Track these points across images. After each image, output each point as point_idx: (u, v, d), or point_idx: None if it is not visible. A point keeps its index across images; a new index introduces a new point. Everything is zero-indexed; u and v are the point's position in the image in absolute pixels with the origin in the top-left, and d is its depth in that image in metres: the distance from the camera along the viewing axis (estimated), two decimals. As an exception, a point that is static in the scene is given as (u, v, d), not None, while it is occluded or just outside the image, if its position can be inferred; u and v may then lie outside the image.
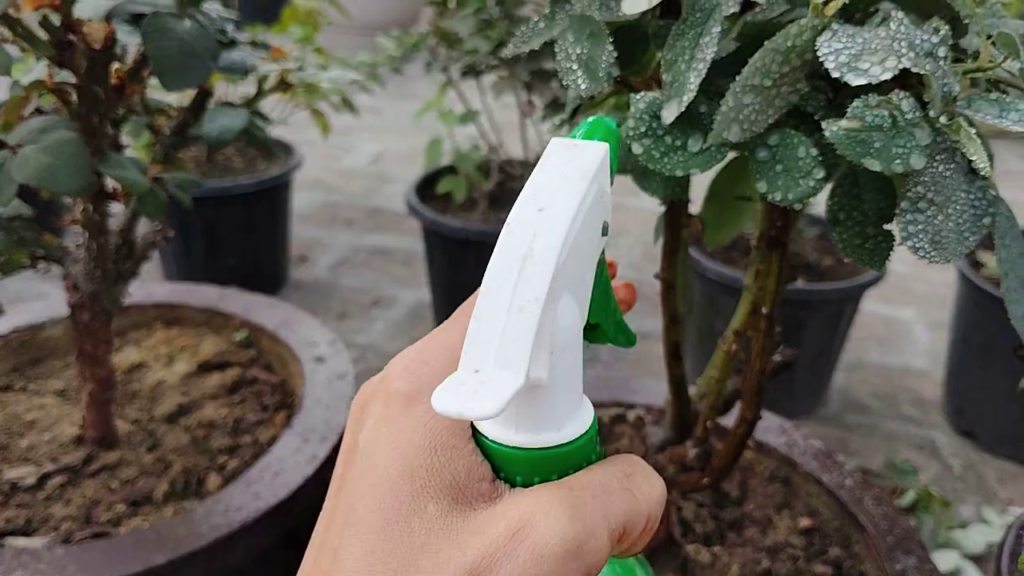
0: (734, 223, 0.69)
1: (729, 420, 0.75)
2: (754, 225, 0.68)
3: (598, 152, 0.34)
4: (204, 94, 0.79)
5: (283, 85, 0.85)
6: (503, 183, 1.95)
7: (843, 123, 0.39)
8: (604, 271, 0.37)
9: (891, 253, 0.48)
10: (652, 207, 2.55)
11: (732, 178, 0.67)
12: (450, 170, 1.99)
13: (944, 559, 1.29)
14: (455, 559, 0.27)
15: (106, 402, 1.00)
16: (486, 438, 0.31)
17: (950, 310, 1.71)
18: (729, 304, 1.52)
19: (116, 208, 0.90)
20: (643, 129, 0.46)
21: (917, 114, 0.40)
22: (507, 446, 0.31)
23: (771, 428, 0.99)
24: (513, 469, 0.31)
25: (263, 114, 0.81)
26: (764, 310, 0.62)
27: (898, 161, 0.39)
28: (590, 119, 0.38)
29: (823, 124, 0.39)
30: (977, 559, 1.33)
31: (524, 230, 0.31)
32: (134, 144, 1.19)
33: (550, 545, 0.27)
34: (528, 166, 1.92)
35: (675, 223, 0.66)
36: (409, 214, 1.92)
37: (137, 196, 0.73)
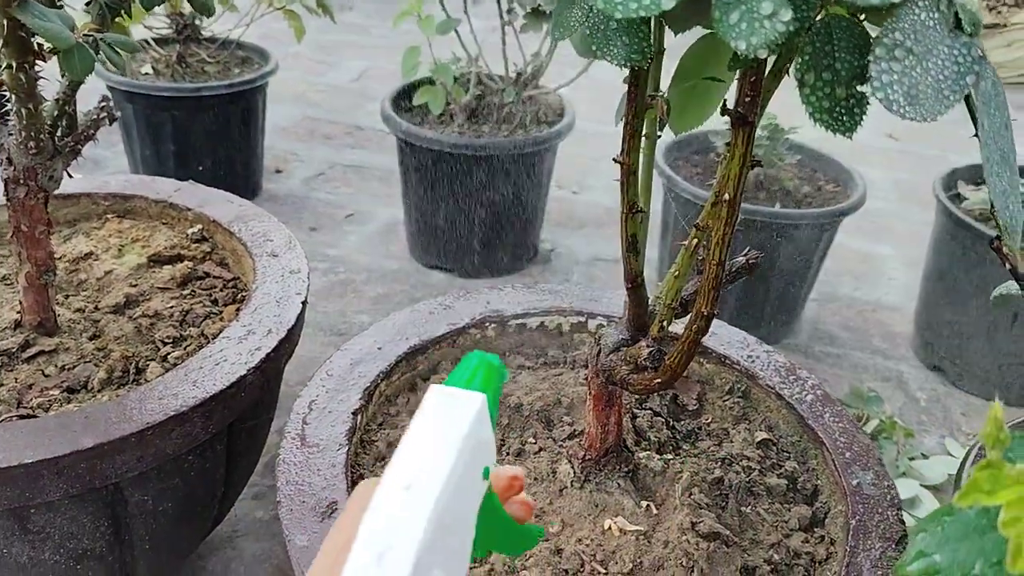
0: (702, 107, 0.64)
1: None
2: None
3: (473, 405, 0.35)
4: (144, -49, 0.73)
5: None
6: (482, 96, 1.88)
7: (813, -60, 0.34)
8: (492, 504, 0.37)
9: (863, 118, 0.44)
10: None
11: (701, 57, 0.62)
12: (429, 82, 1.92)
13: (903, 487, 1.28)
14: None
15: (44, 286, 0.95)
16: None
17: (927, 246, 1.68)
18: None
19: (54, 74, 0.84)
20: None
21: (897, -61, 0.35)
22: None
23: (733, 342, 0.96)
24: None
25: (206, -26, 0.75)
26: (726, 196, 0.58)
27: (873, -11, 0.35)
28: (474, 355, 0.38)
29: (791, -57, 0.35)
30: (937, 490, 1.33)
31: (387, 515, 0.31)
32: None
33: None
34: (507, 81, 1.86)
35: (637, 103, 0.62)
36: (384, 124, 1.86)
37: (62, 52, 0.68)
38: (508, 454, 0.84)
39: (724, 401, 0.93)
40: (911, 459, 1.37)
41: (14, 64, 0.74)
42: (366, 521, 0.31)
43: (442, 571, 0.32)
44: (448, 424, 0.34)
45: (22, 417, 0.83)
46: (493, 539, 0.39)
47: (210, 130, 2.07)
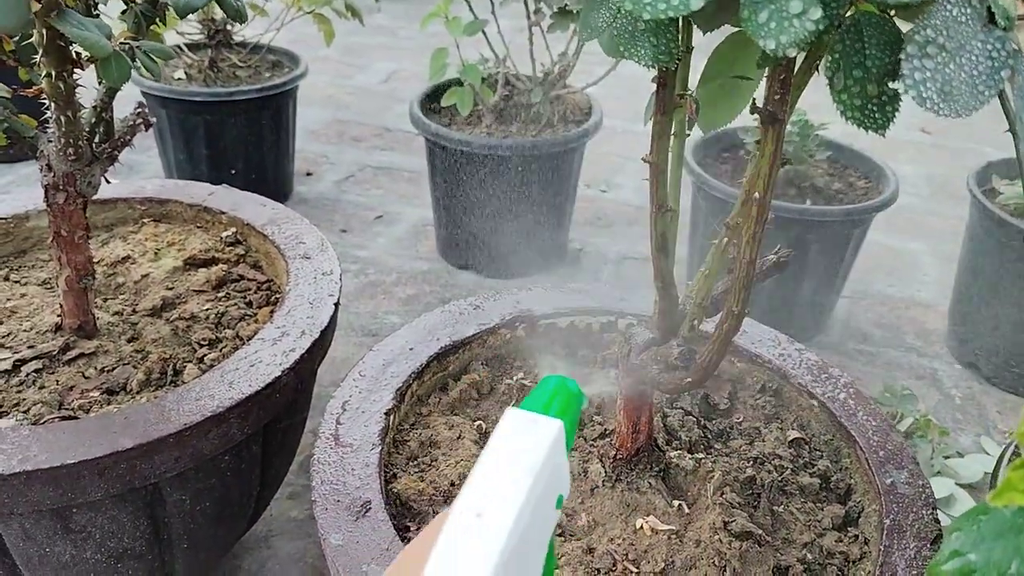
0: (731, 105, 0.64)
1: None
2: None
3: (550, 432, 0.34)
4: (178, -40, 0.75)
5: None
6: (509, 97, 1.89)
7: (842, -61, 0.34)
8: (552, 543, 0.36)
9: (895, 115, 0.44)
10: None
11: (729, 55, 0.62)
12: (457, 83, 1.93)
13: (938, 486, 1.27)
14: None
15: (84, 290, 0.97)
16: None
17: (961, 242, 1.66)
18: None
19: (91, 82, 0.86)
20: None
21: (928, -64, 0.35)
22: None
23: (764, 340, 0.96)
24: None
25: (238, -19, 0.77)
26: (756, 195, 0.58)
27: (903, -13, 0.35)
28: (551, 379, 0.38)
29: (820, -57, 0.35)
30: (973, 488, 1.31)
31: (458, 544, 0.30)
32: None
33: None
34: (535, 81, 1.86)
35: (665, 102, 0.62)
36: (413, 126, 1.87)
37: (100, 60, 0.69)
38: (539, 453, 0.84)
39: (756, 400, 0.93)
40: (946, 457, 1.36)
41: (53, 73, 0.76)
42: (436, 549, 0.30)
43: None
44: (524, 450, 0.34)
45: (64, 418, 0.85)
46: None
47: (242, 134, 2.09)
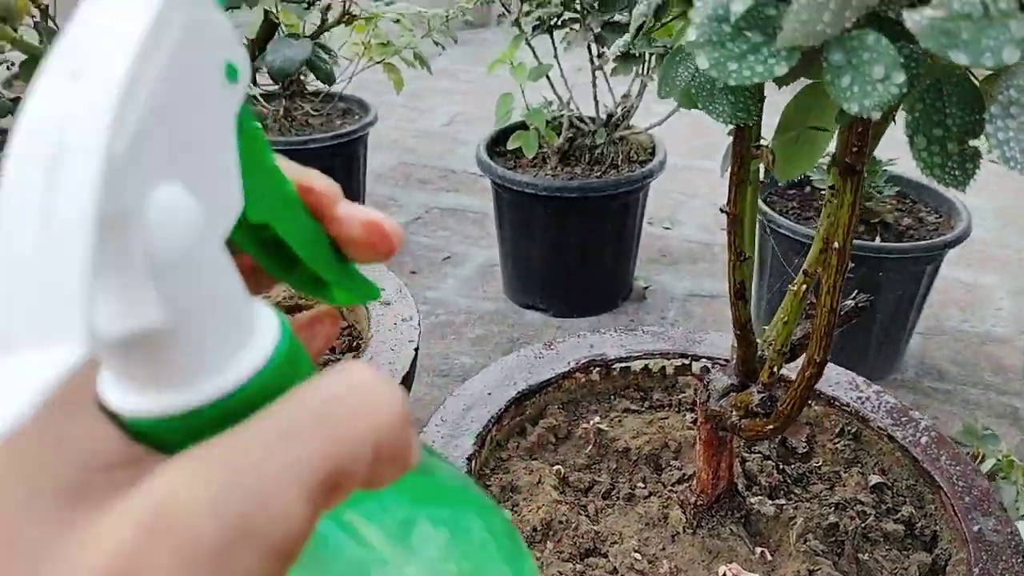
0: (807, 156, 0.65)
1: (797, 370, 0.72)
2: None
3: None
4: (271, 26, 0.79)
5: (348, 16, 0.84)
6: (574, 139, 1.92)
7: (927, 11, 0.35)
8: (261, 147, 0.24)
9: (976, 172, 0.45)
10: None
11: (805, 107, 0.63)
12: (521, 126, 1.96)
13: (1025, 530, 1.23)
14: (80, 565, 0.18)
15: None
16: (121, 414, 0.21)
17: (1041, 275, 1.62)
18: (802, 262, 1.47)
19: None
20: (708, 37, 0.44)
21: (1012, 3, 0.36)
22: (145, 418, 0.21)
23: (841, 383, 0.96)
24: (170, 443, 0.21)
25: (327, 47, 0.80)
26: (836, 244, 0.59)
27: (988, 54, 0.36)
28: None
29: (904, 15, 0.36)
30: (1061, 532, 1.27)
31: (50, 113, 0.19)
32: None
33: (198, 536, 0.18)
34: (598, 122, 1.89)
35: (743, 153, 0.63)
36: (479, 169, 1.91)
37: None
38: (619, 498, 0.85)
39: (834, 444, 0.93)
40: (1032, 499, 1.32)
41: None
42: (17, 131, 0.19)
43: (184, 187, 0.20)
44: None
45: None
46: (279, 213, 0.25)
47: (313, 180, 2.15)
